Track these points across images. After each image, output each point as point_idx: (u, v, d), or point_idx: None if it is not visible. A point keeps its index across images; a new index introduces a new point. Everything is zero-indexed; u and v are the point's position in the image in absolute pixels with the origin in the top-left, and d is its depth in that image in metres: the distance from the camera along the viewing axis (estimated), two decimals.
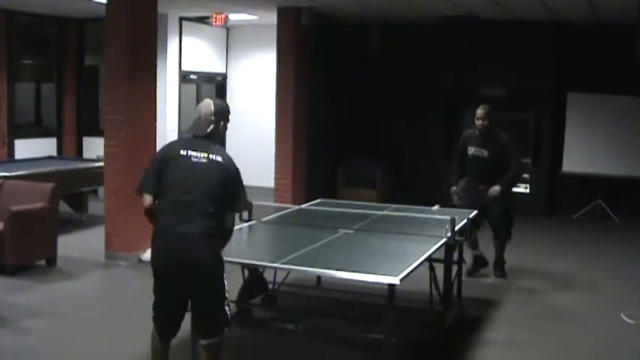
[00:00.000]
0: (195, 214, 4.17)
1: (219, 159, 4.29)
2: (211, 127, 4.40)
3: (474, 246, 7.74)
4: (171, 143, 4.59)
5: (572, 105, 12.14)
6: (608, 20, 11.25)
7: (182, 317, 4.42)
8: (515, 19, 11.62)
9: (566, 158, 12.20)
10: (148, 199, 4.38)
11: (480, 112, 7.51)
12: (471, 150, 7.59)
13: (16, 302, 6.64)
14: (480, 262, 7.88)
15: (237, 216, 6.17)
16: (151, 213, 4.40)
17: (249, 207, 4.26)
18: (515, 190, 8.13)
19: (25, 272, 7.58)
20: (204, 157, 4.28)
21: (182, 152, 4.32)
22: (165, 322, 4.44)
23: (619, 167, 11.88)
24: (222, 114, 4.47)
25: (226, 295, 4.34)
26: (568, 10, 10.59)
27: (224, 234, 4.34)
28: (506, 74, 12.16)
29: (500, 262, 7.92)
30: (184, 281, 4.24)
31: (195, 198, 4.19)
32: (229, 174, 4.29)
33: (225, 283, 4.34)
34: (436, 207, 6.91)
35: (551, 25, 11.85)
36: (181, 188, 4.24)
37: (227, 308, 4.36)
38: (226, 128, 4.52)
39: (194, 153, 4.30)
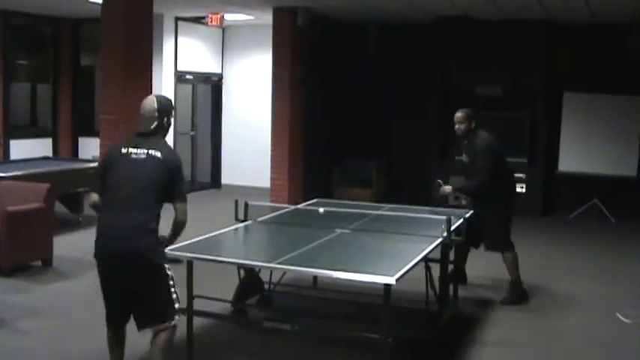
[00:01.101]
0: (129, 208, 4.32)
1: (158, 154, 4.41)
2: (155, 123, 4.54)
3: (461, 260, 7.33)
4: (116, 144, 4.75)
5: (568, 104, 12.15)
6: (604, 20, 11.27)
7: (126, 309, 4.50)
8: (512, 19, 11.64)
9: (562, 158, 12.21)
10: (93, 196, 4.60)
11: (457, 115, 7.06)
12: (460, 158, 7.28)
13: (13, 303, 6.63)
14: (460, 276, 7.33)
15: (233, 216, 6.24)
16: (94, 208, 4.60)
17: (184, 199, 4.48)
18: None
19: (21, 273, 7.57)
20: (143, 153, 4.42)
21: (123, 150, 4.48)
22: (109, 312, 4.56)
23: (615, 167, 11.89)
24: (166, 110, 4.60)
25: (170, 284, 4.42)
26: (564, 9, 10.61)
27: (174, 226, 4.49)
28: (503, 74, 12.18)
29: (514, 286, 7.24)
30: (119, 272, 4.36)
31: (130, 192, 4.34)
32: (168, 169, 4.41)
33: (169, 273, 4.43)
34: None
35: (548, 25, 11.88)
36: (118, 184, 4.40)
37: (174, 296, 4.44)
38: (170, 124, 4.65)
39: (134, 150, 4.45)
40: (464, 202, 7.28)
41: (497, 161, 6.99)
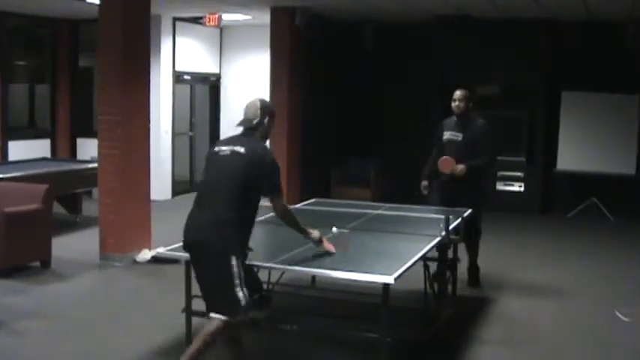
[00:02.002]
0: (209, 202, 4.57)
1: (242, 150, 4.60)
2: (257, 119, 4.74)
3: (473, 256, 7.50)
4: (216, 142, 4.99)
5: (567, 103, 12.15)
6: (602, 18, 11.28)
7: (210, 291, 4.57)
8: (510, 18, 11.64)
9: (561, 156, 12.21)
10: None
11: (457, 93, 7.28)
12: (447, 135, 7.39)
13: (11, 304, 6.63)
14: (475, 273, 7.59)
15: None
16: None
17: (276, 191, 4.68)
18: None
19: (19, 274, 7.57)
20: (229, 150, 4.64)
21: (215, 149, 4.74)
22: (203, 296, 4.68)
23: (613, 165, 11.89)
24: (268, 109, 4.83)
25: (236, 280, 4.43)
26: (562, 8, 10.62)
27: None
28: (501, 73, 12.19)
29: (473, 270, 7.57)
30: (197, 260, 4.61)
31: (212, 187, 4.61)
32: (252, 164, 4.57)
33: (236, 268, 4.44)
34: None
35: (545, 24, 11.88)
36: (205, 181, 4.71)
37: (239, 294, 4.44)
38: (271, 127, 4.88)
39: (223, 147, 4.69)
40: (424, 193, 7.47)
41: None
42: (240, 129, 4.80)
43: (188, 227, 4.62)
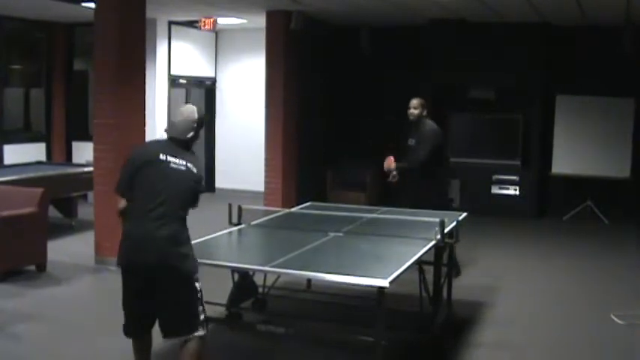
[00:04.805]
0: (165, 220, 4.29)
1: (195, 170, 4.46)
2: (192, 133, 4.55)
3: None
4: (148, 144, 4.68)
5: (561, 107, 12.19)
6: (596, 22, 11.31)
7: (148, 316, 4.46)
8: (504, 22, 11.67)
9: (556, 160, 12.24)
10: (122, 201, 4.50)
11: (412, 101, 7.87)
12: (409, 141, 7.95)
13: (6, 307, 6.62)
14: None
15: (227, 219, 6.24)
16: (123, 214, 4.50)
17: (196, 204, 4.60)
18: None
19: (14, 278, 7.56)
20: (182, 165, 4.41)
21: (162, 157, 4.40)
22: (130, 320, 4.51)
23: (608, 168, 11.92)
24: (202, 123, 4.63)
25: (198, 295, 4.40)
26: (557, 11, 10.65)
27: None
28: (496, 76, 12.20)
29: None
30: (149, 282, 4.30)
31: (168, 203, 4.31)
32: (198, 183, 4.52)
33: (197, 284, 4.40)
34: None
35: (540, 27, 11.91)
36: (155, 192, 4.32)
37: (200, 308, 4.41)
38: (198, 138, 4.66)
39: (173, 159, 4.41)
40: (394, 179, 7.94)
41: (436, 150, 7.75)
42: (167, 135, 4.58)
43: (137, 246, 4.29)
